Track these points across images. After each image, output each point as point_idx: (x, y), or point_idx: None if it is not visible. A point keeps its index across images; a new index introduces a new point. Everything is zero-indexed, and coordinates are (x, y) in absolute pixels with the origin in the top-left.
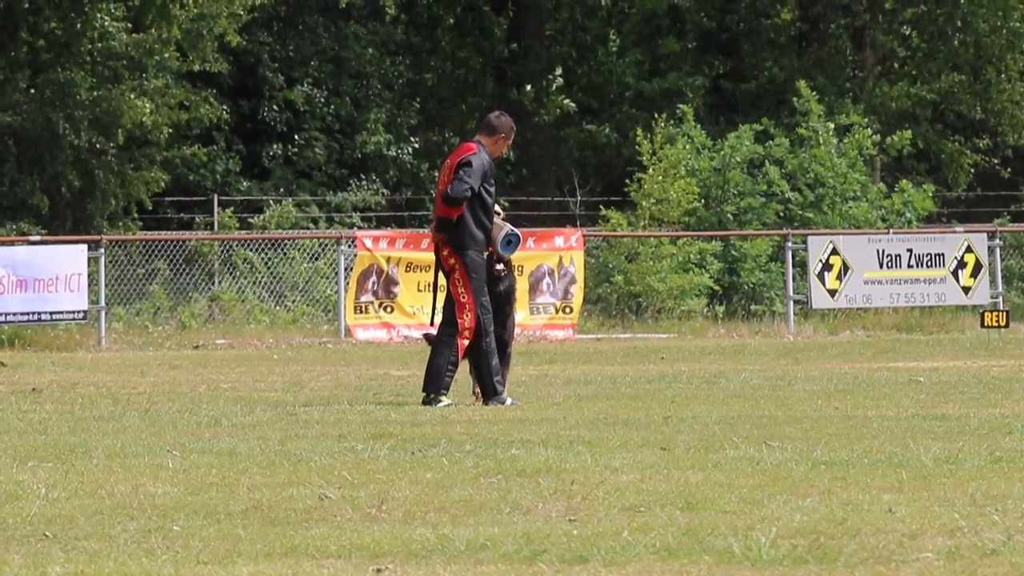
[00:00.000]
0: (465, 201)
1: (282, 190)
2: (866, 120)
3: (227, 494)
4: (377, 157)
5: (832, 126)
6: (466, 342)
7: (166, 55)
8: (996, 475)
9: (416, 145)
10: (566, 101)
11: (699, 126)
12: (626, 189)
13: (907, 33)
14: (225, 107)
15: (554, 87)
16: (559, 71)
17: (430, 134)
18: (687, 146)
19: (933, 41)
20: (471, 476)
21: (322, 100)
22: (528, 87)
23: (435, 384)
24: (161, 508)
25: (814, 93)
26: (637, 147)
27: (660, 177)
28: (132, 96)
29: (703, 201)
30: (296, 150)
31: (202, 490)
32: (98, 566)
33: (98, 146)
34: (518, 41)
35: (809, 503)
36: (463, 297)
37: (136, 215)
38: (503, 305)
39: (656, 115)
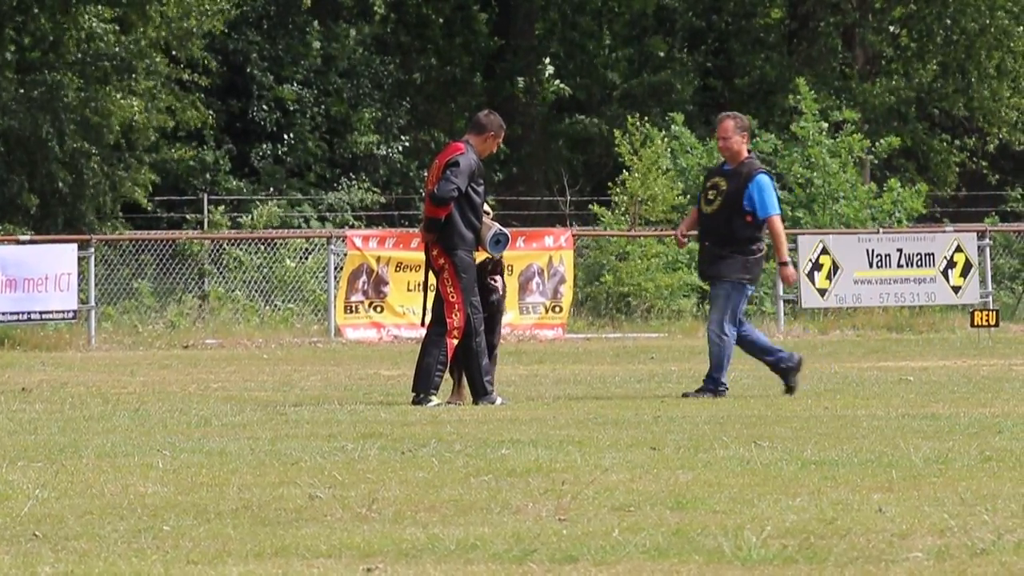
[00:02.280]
0: (452, 201)
1: (272, 189)
2: (857, 117)
3: (217, 494)
4: (367, 156)
5: (825, 125)
6: (455, 341)
7: (156, 59)
8: (986, 474)
9: (406, 143)
10: (560, 84)
11: (686, 127)
12: (608, 191)
13: (896, 32)
14: (211, 111)
15: (546, 75)
16: (547, 60)
17: (420, 133)
18: (663, 142)
19: (922, 40)
20: (461, 476)
21: (312, 99)
22: (520, 79)
23: (425, 384)
24: (151, 508)
25: (811, 92)
26: (616, 148)
27: (639, 175)
28: (120, 96)
29: (689, 198)
30: (286, 149)
31: (192, 490)
32: (88, 566)
33: (92, 150)
34: (507, 40)
35: (799, 503)
36: (452, 296)
37: (126, 215)
38: (495, 313)
39: (630, 116)
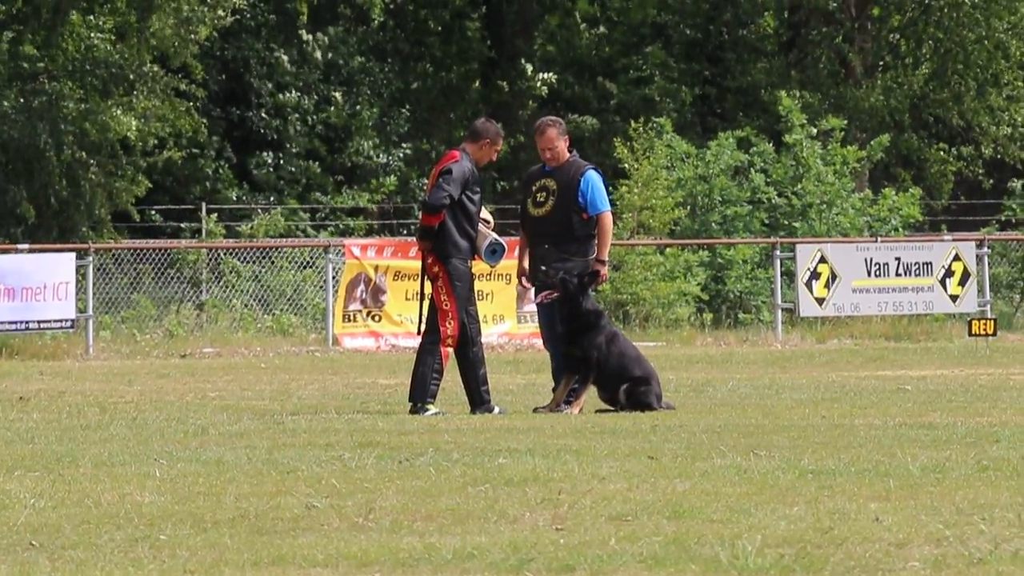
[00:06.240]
0: (444, 209)
1: (271, 198)
2: (846, 124)
3: (214, 503)
4: (367, 165)
5: (814, 131)
6: (449, 350)
7: (152, 66)
8: (983, 484)
9: (408, 152)
10: (546, 75)
11: (679, 136)
12: (611, 198)
13: (894, 41)
14: (206, 119)
15: (529, 71)
16: (525, 60)
17: (419, 141)
18: (664, 154)
19: (919, 49)
20: (458, 485)
21: (311, 107)
22: (504, 83)
23: (421, 393)
24: (148, 517)
25: (797, 103)
26: (617, 156)
27: (638, 187)
28: (119, 112)
29: (688, 209)
30: (285, 158)
31: (189, 499)
32: (84, 575)
33: (90, 160)
34: (503, 49)
35: (796, 512)
36: (445, 305)
37: (123, 224)
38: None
39: (631, 123)
